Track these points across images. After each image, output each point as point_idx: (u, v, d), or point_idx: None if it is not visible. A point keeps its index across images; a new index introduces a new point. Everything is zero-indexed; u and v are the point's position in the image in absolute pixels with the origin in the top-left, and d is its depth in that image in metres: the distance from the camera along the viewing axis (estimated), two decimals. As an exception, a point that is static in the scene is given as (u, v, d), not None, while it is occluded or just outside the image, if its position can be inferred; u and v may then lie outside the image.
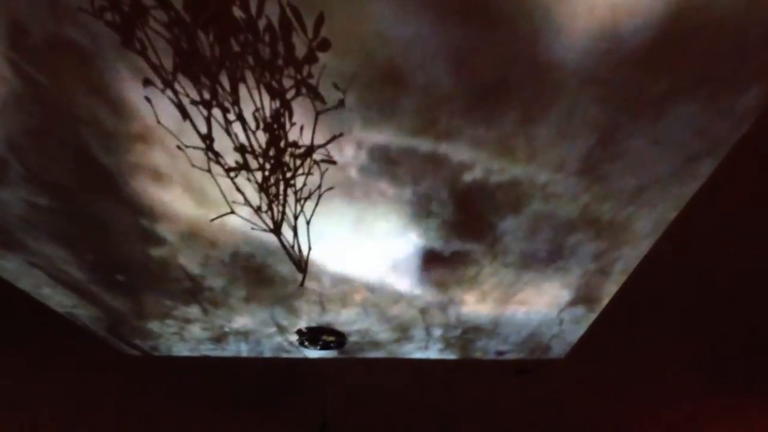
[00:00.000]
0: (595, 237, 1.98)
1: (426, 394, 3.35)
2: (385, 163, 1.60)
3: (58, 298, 2.41)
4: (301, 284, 1.53)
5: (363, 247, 2.02)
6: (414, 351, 2.90)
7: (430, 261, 2.11)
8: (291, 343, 2.80)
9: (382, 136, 1.49)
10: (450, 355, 2.94)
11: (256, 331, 2.68)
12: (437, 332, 2.70)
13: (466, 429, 3.71)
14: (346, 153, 1.56)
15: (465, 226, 1.91)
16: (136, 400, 3.33)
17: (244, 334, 2.72)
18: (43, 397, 3.22)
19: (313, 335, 2.59)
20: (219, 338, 2.77)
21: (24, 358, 2.82)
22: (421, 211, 1.82)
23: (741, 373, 2.95)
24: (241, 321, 2.60)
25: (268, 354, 2.94)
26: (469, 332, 2.69)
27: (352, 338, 2.72)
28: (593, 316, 2.53)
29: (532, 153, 1.57)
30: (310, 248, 1.57)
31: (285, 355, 2.93)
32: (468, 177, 1.66)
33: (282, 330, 2.67)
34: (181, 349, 2.89)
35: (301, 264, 1.56)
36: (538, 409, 3.47)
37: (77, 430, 3.62)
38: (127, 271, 2.20)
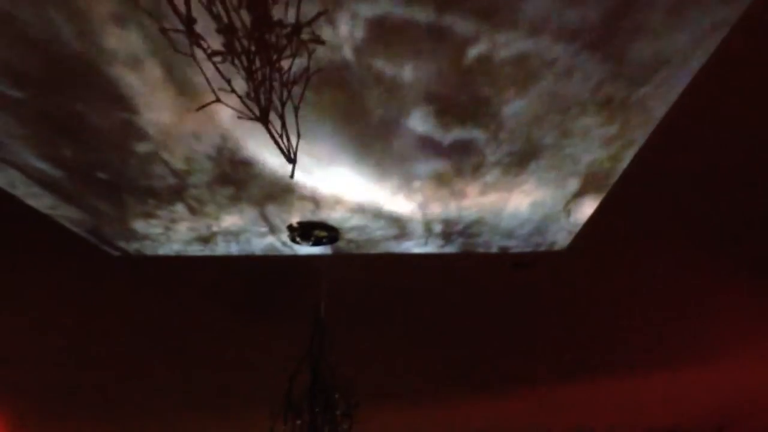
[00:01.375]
0: (607, 120, 2.07)
1: (425, 288, 3.60)
2: (382, 39, 1.64)
3: (35, 199, 2.52)
4: (291, 175, 1.64)
5: (357, 137, 2.10)
6: (413, 248, 3.08)
7: (430, 150, 2.21)
8: (284, 243, 2.97)
9: (377, 7, 1.53)
10: (450, 251, 3.13)
11: (246, 230, 2.84)
12: (437, 228, 2.85)
13: (466, 322, 4.03)
14: (339, 30, 1.60)
15: (467, 111, 1.98)
16: (124, 301, 3.57)
17: (233, 234, 2.88)
18: (26, 298, 3.45)
19: (304, 230, 2.75)
20: (207, 238, 2.94)
21: (5, 259, 3.00)
22: (420, 93, 1.88)
23: (749, 256, 3.17)
24: (230, 220, 2.74)
25: (259, 254, 3.12)
26: (470, 227, 2.85)
27: (348, 235, 2.89)
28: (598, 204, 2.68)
29: (541, 23, 1.61)
30: (299, 136, 1.66)
31: (278, 254, 3.12)
32: (472, 51, 1.71)
33: (274, 229, 2.82)
34: (168, 251, 3.07)
35: (290, 154, 1.66)
36: (541, 300, 3.75)
37: (62, 332, 3.91)
38: (107, 168, 2.29)
